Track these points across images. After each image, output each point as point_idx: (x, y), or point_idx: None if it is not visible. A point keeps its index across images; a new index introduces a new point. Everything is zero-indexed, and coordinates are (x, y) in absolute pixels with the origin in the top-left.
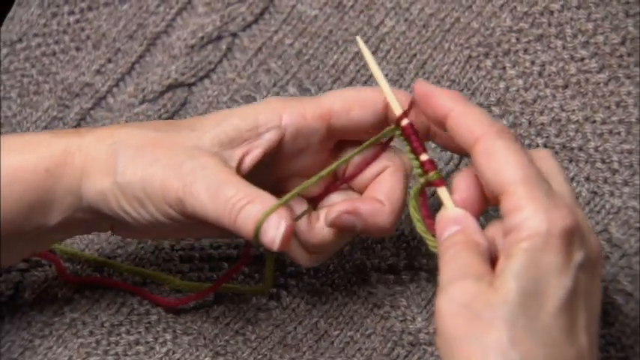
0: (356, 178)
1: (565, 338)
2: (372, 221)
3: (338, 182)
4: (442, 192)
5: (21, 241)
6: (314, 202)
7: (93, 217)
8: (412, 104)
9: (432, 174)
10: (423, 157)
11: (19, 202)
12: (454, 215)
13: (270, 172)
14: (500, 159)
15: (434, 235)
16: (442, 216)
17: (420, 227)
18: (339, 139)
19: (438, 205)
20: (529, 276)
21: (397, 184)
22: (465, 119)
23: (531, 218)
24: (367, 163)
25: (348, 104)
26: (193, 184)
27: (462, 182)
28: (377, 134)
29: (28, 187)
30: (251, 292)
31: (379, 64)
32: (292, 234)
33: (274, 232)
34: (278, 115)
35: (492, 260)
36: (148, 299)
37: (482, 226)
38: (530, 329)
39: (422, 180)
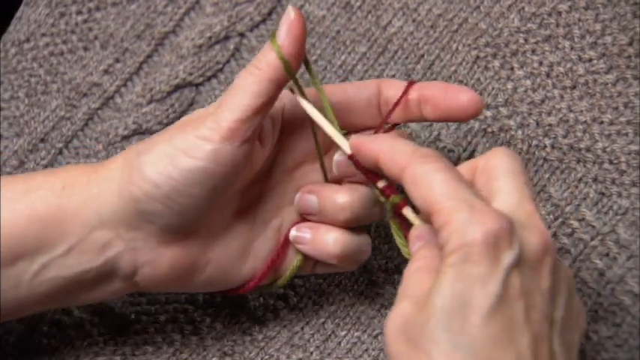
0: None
1: (499, 345)
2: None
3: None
4: (407, 211)
5: (30, 268)
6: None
7: (111, 236)
8: (408, 87)
9: (393, 197)
10: (380, 184)
11: (32, 216)
12: (417, 232)
13: (282, 159)
14: (423, 182)
15: None
16: (411, 233)
17: (404, 251)
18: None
19: None
20: (453, 291)
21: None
22: (392, 154)
23: (454, 232)
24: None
25: (345, 86)
26: (220, 105)
27: None
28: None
29: (42, 202)
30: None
31: (387, 64)
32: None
33: (285, 23)
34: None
35: None
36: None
37: None
38: (456, 344)
39: (387, 206)
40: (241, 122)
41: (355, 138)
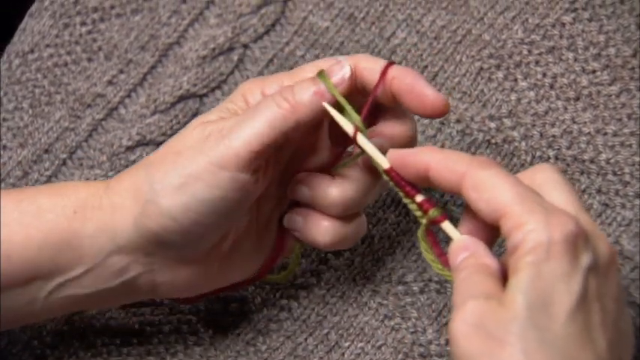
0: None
1: (580, 344)
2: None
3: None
4: (446, 226)
5: (45, 289)
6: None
7: (129, 261)
8: (384, 72)
9: (432, 211)
10: (418, 198)
11: (46, 241)
12: (462, 243)
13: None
14: (488, 187)
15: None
16: (451, 247)
17: (435, 267)
18: None
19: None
20: (536, 288)
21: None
22: (446, 163)
23: (532, 232)
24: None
25: (319, 69)
26: (233, 127)
27: (466, 214)
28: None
29: (54, 227)
30: (272, 280)
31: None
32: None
33: (340, 71)
34: (260, 90)
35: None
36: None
37: None
38: (543, 341)
39: (424, 221)
40: (258, 154)
41: (394, 151)
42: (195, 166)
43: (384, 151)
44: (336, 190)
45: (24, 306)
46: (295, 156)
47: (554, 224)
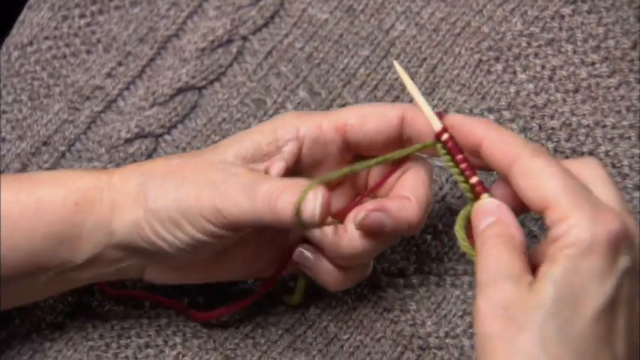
0: (381, 187)
1: (601, 345)
2: (401, 216)
3: (362, 194)
4: None
5: (45, 276)
6: (340, 217)
7: (123, 255)
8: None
9: (484, 196)
10: (473, 179)
11: (47, 234)
12: (487, 207)
13: None
14: (538, 176)
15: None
16: (477, 207)
17: (464, 245)
18: (358, 154)
19: None
20: (568, 282)
21: (421, 180)
22: (499, 144)
23: (576, 226)
24: (391, 172)
25: (363, 118)
26: (228, 191)
27: (498, 186)
28: (403, 148)
29: (56, 219)
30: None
31: (390, 68)
32: (329, 206)
33: (313, 204)
34: (295, 127)
35: (532, 261)
36: (184, 314)
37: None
38: (563, 335)
39: (472, 205)
40: (247, 222)
41: (453, 115)
42: (187, 206)
43: (381, 228)
44: (346, 244)
45: (22, 290)
46: (304, 173)
47: (600, 222)
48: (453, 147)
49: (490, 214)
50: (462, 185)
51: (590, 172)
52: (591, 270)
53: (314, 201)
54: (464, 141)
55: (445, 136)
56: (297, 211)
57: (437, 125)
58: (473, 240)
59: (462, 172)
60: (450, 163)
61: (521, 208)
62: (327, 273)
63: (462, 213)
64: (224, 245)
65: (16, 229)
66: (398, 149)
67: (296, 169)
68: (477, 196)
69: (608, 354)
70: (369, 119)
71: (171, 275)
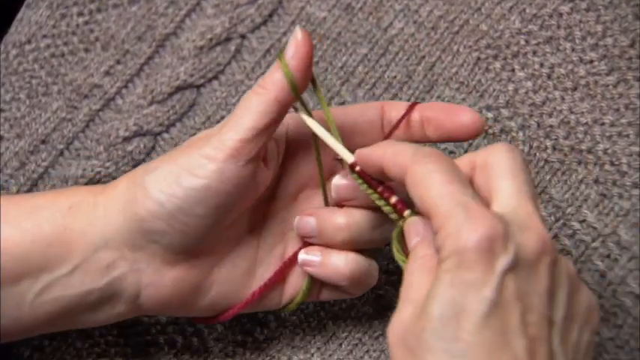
0: None
1: (494, 349)
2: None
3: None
4: None
5: (32, 288)
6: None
7: (116, 256)
8: (410, 108)
9: (407, 213)
10: (393, 199)
11: (37, 235)
12: (413, 226)
13: (288, 181)
14: (422, 183)
15: None
16: (407, 226)
17: (405, 267)
18: None
19: None
20: (448, 298)
21: None
22: (394, 157)
23: (448, 237)
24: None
25: (347, 108)
26: (225, 122)
27: None
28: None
29: (47, 221)
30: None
31: (388, 66)
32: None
33: (292, 42)
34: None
35: None
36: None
37: None
38: (451, 352)
39: (400, 223)
40: (246, 142)
41: (361, 150)
42: (185, 157)
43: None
44: (342, 217)
45: (11, 309)
46: (297, 188)
47: (469, 229)
48: (364, 175)
49: (415, 233)
50: (385, 209)
51: (493, 160)
52: (467, 280)
53: (293, 39)
54: (373, 170)
55: (358, 168)
56: (280, 55)
57: (349, 158)
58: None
59: (380, 196)
60: (370, 191)
61: None
62: (339, 260)
63: (395, 235)
64: (218, 200)
65: (10, 232)
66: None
67: (288, 163)
68: (399, 214)
69: (505, 355)
70: (355, 121)
71: (167, 292)
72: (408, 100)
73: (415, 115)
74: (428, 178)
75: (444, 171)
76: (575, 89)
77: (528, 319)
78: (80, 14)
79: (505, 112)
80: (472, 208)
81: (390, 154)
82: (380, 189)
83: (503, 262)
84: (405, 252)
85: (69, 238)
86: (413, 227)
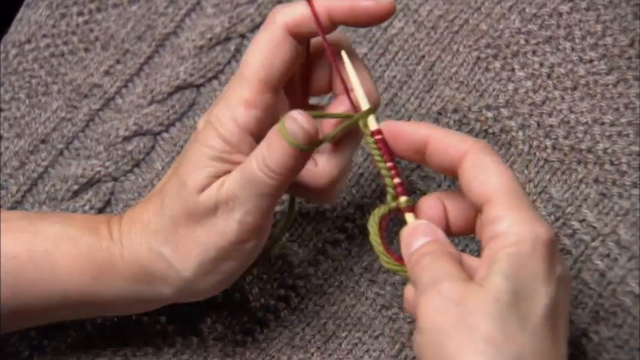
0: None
1: (549, 344)
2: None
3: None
4: (409, 218)
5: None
6: None
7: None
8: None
9: (405, 199)
10: (397, 180)
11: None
12: (421, 228)
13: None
14: (487, 170)
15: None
16: (407, 230)
17: (382, 259)
18: None
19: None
20: (519, 277)
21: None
22: (450, 139)
23: (517, 226)
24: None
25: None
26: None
27: (427, 204)
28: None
29: (76, 292)
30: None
31: (388, 65)
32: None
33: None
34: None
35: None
36: None
37: None
38: (522, 327)
39: (393, 204)
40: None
41: (390, 122)
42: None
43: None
44: (322, 173)
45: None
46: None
47: (539, 227)
48: (385, 145)
49: (423, 234)
50: (387, 181)
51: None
52: (537, 270)
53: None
54: (407, 143)
55: (380, 136)
56: (282, 127)
57: (373, 125)
58: (385, 241)
59: (388, 171)
60: (381, 163)
61: (447, 230)
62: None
63: (376, 213)
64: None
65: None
66: None
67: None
68: (397, 196)
69: (557, 352)
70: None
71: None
72: (408, 100)
73: (320, 9)
74: (496, 167)
75: (509, 169)
76: (574, 89)
77: (567, 330)
78: (80, 14)
79: (505, 112)
80: (535, 211)
81: (443, 136)
82: (390, 164)
83: (559, 269)
84: (381, 236)
85: (100, 307)
86: (420, 229)
